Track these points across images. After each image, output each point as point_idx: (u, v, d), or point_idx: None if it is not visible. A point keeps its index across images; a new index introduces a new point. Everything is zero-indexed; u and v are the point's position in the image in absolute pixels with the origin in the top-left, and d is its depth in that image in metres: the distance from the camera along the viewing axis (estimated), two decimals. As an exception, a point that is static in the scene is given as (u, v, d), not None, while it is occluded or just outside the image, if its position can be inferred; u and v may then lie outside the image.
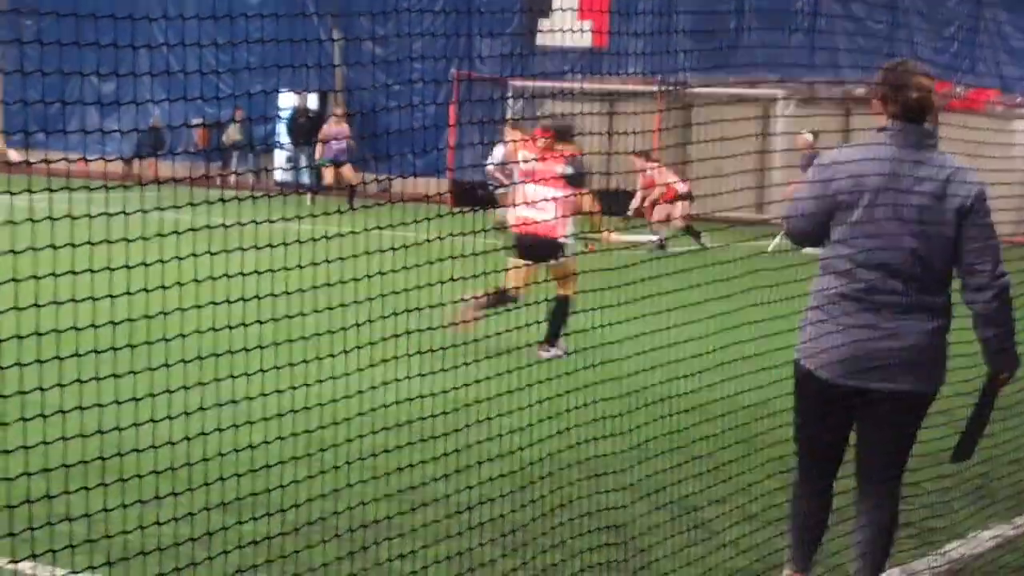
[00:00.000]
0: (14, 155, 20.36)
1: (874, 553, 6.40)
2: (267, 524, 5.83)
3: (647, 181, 25.02)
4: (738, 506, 7.53)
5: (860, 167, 6.25)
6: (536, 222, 13.33)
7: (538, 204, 12.75)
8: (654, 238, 23.96)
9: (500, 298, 12.44)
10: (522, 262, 12.82)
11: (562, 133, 13.80)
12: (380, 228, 6.09)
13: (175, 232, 5.25)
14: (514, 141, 23.55)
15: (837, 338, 6.24)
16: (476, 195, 24.76)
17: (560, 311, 12.99)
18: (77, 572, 5.05)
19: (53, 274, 4.80)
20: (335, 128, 31.73)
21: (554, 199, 13.15)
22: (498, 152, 26.06)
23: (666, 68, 10.37)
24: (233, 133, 36.89)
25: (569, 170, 13.56)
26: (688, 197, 24.54)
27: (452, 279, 6.21)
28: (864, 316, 6.22)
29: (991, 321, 6.25)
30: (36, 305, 4.72)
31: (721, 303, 7.80)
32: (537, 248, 13.30)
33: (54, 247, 4.78)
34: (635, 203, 26.43)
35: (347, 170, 31.41)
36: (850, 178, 6.25)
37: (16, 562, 4.84)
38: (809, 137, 24.94)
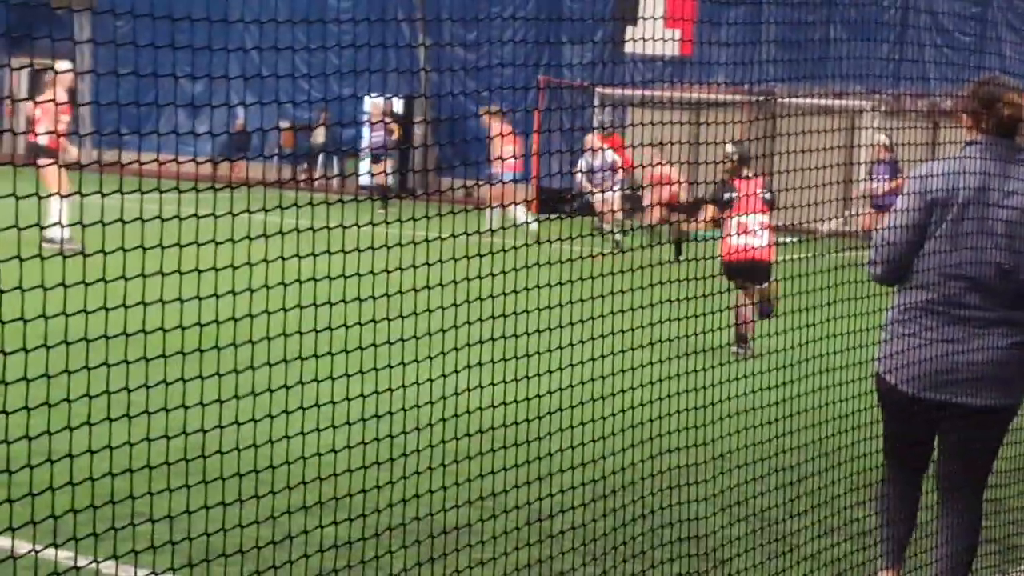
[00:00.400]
0: (73, 151, 20.55)
1: (955, 567, 6.33)
2: (348, 528, 5.81)
3: (656, 177, 24.20)
4: (818, 520, 7.43)
5: (950, 180, 6.21)
6: (754, 248, 14.55)
7: (752, 231, 14.35)
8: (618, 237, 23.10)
9: (740, 334, 13.93)
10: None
11: (745, 159, 14.89)
12: (467, 234, 6.06)
13: (263, 235, 5.26)
14: (606, 148, 23.69)
15: (919, 352, 6.19)
16: (561, 202, 24.79)
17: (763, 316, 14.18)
18: (158, 573, 5.05)
19: (142, 275, 4.81)
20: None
21: (765, 225, 14.55)
22: (589, 160, 26.07)
23: (753, 78, 10.31)
24: (319, 136, 37.09)
25: (768, 195, 14.64)
26: (690, 208, 23.67)
27: (538, 286, 6.17)
28: (946, 330, 6.16)
29: None
30: (124, 306, 4.73)
31: (805, 314, 7.71)
32: (752, 273, 14.43)
33: (143, 248, 4.78)
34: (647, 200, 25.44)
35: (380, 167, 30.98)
36: (941, 190, 6.21)
37: (99, 562, 4.84)
38: (885, 140, 24.86)
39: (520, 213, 22.66)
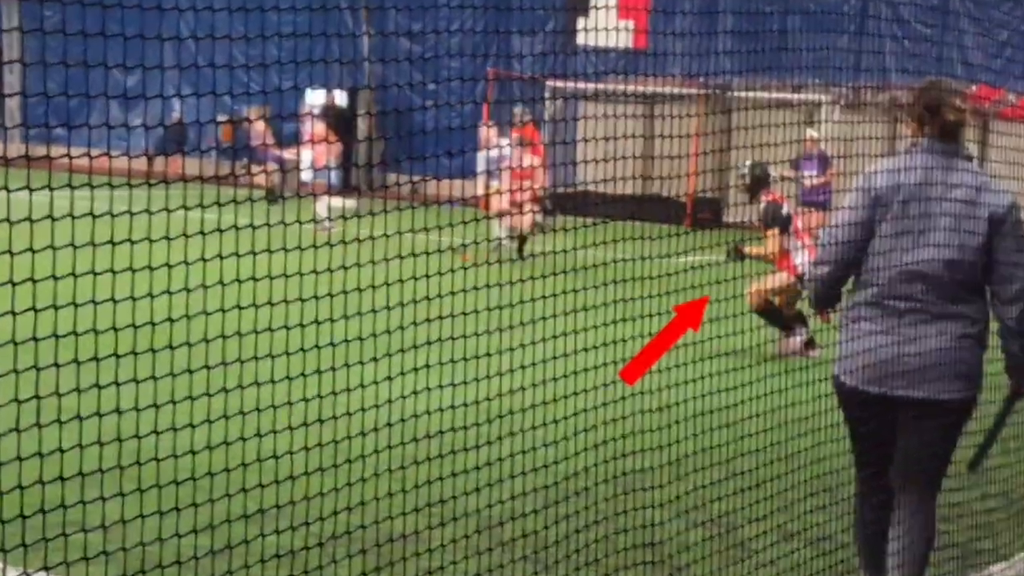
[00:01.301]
0: None
1: (909, 565, 6.40)
2: (291, 536, 5.79)
3: (526, 173, 22.93)
4: (779, 524, 7.45)
5: (893, 177, 6.34)
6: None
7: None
8: (505, 240, 22.50)
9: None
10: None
11: (761, 180, 14.93)
12: (414, 232, 6.04)
13: (200, 232, 5.22)
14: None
15: (863, 343, 6.32)
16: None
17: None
18: (71, 563, 4.98)
19: (73, 274, 4.76)
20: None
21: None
22: (487, 156, 24.48)
23: (708, 70, 10.32)
24: (260, 128, 36.92)
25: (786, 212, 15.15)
26: (543, 205, 23.39)
27: (487, 286, 6.16)
28: (889, 322, 6.30)
29: (1017, 334, 6.30)
30: (55, 306, 4.69)
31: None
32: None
33: (75, 246, 4.74)
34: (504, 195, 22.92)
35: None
36: (884, 187, 6.34)
37: (29, 574, 4.79)
38: (814, 133, 25.00)
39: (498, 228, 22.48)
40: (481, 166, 24.82)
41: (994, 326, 6.42)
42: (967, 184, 6.32)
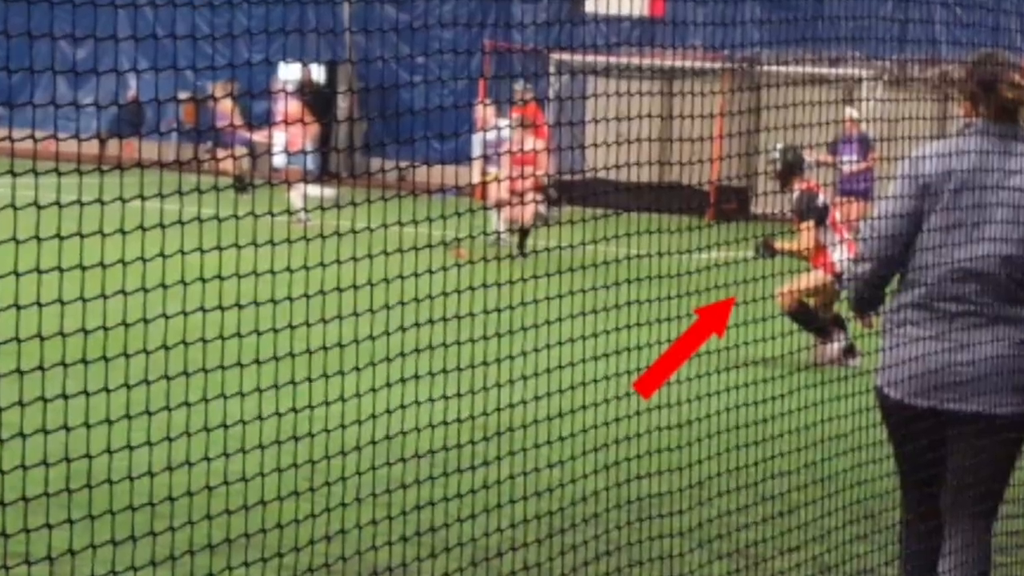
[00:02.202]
0: None
1: None
2: (261, 570, 5.79)
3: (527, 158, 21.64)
4: (814, 556, 7.43)
5: (943, 163, 6.31)
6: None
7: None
8: (504, 233, 22.22)
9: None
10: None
11: (794, 166, 14.58)
12: (401, 224, 6.03)
13: (159, 225, 5.22)
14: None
15: (909, 351, 6.29)
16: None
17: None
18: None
19: (15, 273, 4.76)
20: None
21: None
22: (483, 138, 24.26)
23: (734, 42, 10.33)
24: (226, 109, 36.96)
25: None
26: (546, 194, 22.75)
27: (484, 285, 6.16)
28: (939, 326, 6.26)
29: None
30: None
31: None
32: None
33: (16, 240, 4.74)
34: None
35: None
36: (933, 174, 6.31)
37: (52, 559, 4.79)
38: (854, 113, 24.66)
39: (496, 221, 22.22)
40: (477, 150, 24.62)
41: None
42: None
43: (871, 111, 25.58)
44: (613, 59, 26.77)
